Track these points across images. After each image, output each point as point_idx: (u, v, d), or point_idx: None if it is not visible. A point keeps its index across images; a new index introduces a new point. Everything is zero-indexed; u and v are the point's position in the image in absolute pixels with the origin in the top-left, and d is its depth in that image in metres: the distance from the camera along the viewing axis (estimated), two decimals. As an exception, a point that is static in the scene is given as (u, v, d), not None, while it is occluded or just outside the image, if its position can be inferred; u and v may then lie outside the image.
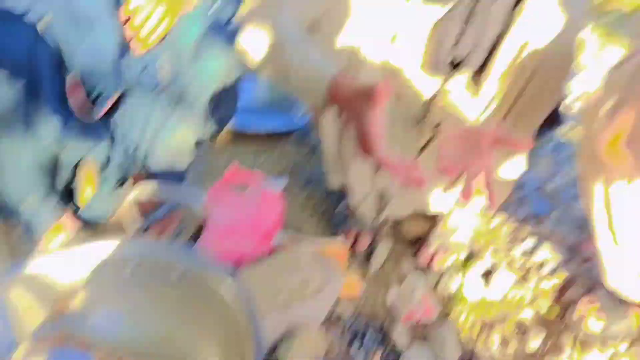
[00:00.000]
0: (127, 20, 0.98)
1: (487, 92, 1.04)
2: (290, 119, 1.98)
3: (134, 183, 1.26)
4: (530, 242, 1.35)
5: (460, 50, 1.02)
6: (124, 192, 1.14)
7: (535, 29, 0.94)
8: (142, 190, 0.90)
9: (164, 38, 1.03)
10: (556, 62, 0.96)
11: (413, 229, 1.35)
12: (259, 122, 1.97)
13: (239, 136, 1.88)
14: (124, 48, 0.97)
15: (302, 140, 1.92)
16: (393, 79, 1.14)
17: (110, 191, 1.18)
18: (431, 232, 1.29)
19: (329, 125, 1.17)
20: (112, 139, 1.14)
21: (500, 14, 0.99)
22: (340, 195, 1.37)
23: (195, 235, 1.01)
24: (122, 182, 1.19)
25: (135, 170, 1.21)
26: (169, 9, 0.99)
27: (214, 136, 1.29)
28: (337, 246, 1.18)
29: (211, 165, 1.68)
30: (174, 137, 1.15)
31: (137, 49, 1.00)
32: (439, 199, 1.28)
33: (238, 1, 1.05)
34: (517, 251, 1.32)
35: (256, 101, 2.08)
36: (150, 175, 1.20)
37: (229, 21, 1.14)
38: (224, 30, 1.07)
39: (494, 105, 1.05)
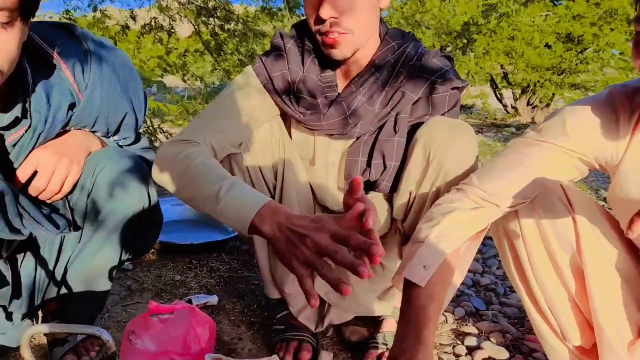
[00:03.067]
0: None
1: (399, 205, 1.11)
2: (223, 229, 1.95)
3: (47, 312, 1.20)
4: (473, 339, 1.33)
5: (370, 175, 1.11)
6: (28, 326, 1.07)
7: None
8: (37, 331, 0.83)
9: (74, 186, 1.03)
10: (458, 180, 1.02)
11: (356, 334, 1.30)
12: (190, 233, 1.92)
13: (170, 248, 1.80)
14: (15, 194, 0.94)
15: (237, 250, 1.87)
16: (318, 195, 1.21)
17: (18, 324, 1.11)
18: (375, 335, 1.25)
19: (261, 240, 1.16)
20: (17, 275, 1.09)
21: (401, 143, 1.09)
22: (279, 305, 1.31)
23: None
24: (30, 314, 1.13)
25: (49, 296, 1.14)
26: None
27: (139, 255, 1.24)
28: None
29: (141, 281, 1.58)
30: (91, 264, 1.10)
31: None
32: (379, 301, 1.26)
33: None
34: (461, 349, 1.29)
35: (186, 212, 2.05)
36: (64, 304, 1.14)
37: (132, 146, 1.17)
38: (135, 160, 1.08)
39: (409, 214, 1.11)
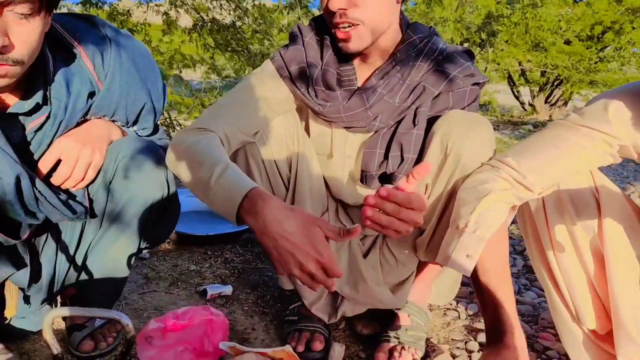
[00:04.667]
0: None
1: None
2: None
3: (65, 297, 1.23)
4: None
5: (387, 167, 1.11)
6: (48, 311, 1.07)
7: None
8: (58, 314, 0.85)
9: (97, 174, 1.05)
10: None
11: (368, 327, 1.30)
12: (206, 224, 1.94)
13: (186, 239, 1.82)
14: (32, 178, 0.95)
15: (251, 242, 1.89)
16: (333, 188, 1.21)
17: (36, 308, 1.13)
18: (387, 329, 1.25)
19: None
20: (37, 260, 1.10)
21: (419, 136, 1.09)
22: (292, 296, 1.32)
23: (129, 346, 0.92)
24: (49, 299, 1.15)
25: (69, 282, 1.16)
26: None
27: (157, 244, 1.25)
28: (285, 354, 1.10)
29: (157, 270, 1.60)
30: (111, 251, 1.13)
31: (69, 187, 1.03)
32: (392, 295, 1.26)
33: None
34: (474, 345, 1.29)
35: (202, 204, 2.06)
36: (82, 290, 1.16)
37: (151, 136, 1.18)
38: (155, 150, 1.09)
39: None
